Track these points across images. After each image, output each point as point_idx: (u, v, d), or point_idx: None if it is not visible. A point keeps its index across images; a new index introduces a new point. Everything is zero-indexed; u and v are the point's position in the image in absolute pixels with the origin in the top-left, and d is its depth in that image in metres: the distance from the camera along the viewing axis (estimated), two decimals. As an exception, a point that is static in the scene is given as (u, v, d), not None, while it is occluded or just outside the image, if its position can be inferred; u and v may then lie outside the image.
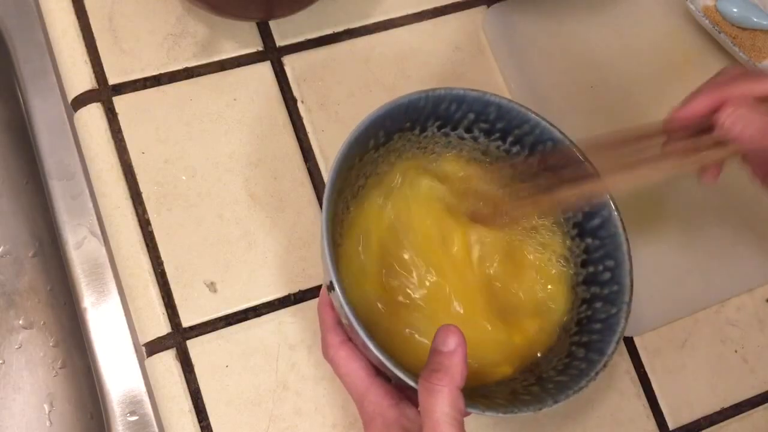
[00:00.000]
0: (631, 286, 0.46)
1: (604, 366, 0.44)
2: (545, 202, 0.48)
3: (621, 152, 0.46)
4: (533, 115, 0.48)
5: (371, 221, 0.49)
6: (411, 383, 0.40)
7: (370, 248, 0.48)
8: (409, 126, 0.48)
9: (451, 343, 0.39)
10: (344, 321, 0.43)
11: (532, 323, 0.49)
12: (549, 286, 0.50)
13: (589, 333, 0.47)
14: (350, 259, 0.48)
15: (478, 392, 0.45)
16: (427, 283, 0.48)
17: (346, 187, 0.48)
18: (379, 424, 0.42)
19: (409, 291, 0.48)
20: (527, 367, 0.48)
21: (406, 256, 0.48)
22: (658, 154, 0.45)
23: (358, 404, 0.43)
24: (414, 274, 0.48)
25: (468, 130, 0.50)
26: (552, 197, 0.48)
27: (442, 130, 0.50)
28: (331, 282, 0.42)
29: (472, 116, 0.49)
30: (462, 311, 0.48)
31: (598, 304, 0.48)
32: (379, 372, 0.44)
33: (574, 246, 0.50)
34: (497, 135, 0.50)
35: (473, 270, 0.49)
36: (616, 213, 0.47)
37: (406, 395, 0.43)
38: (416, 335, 0.47)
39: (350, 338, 0.44)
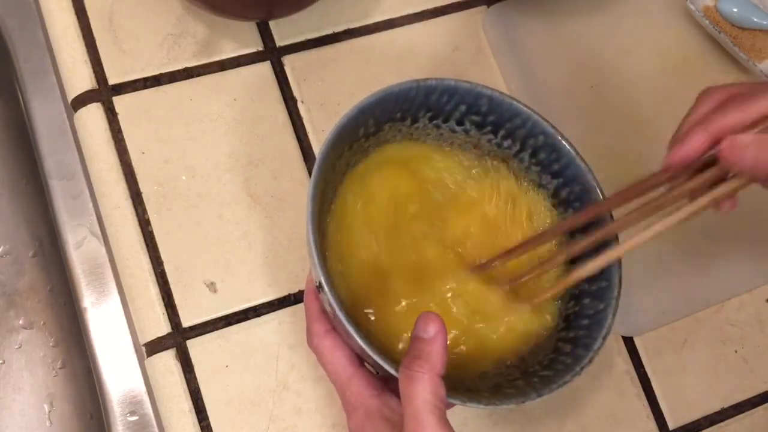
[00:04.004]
0: (620, 282, 0.46)
1: (590, 361, 0.44)
2: (571, 281, 0.47)
3: (634, 203, 0.45)
4: (525, 108, 0.48)
5: (360, 209, 0.48)
6: (392, 371, 0.40)
7: (360, 235, 0.48)
8: (400, 116, 0.48)
9: (431, 329, 0.39)
10: (328, 308, 0.42)
11: (518, 320, 0.48)
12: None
13: (576, 329, 0.47)
14: (338, 245, 0.47)
15: (463, 385, 0.45)
16: (414, 277, 0.48)
17: (336, 174, 0.47)
18: (361, 414, 0.42)
19: (394, 282, 0.48)
20: (512, 363, 0.47)
21: (393, 247, 0.48)
22: (669, 198, 0.44)
23: (341, 394, 0.43)
24: (400, 266, 0.48)
25: (459, 122, 0.49)
26: (578, 275, 0.46)
27: (434, 122, 0.49)
28: (314, 268, 0.41)
29: (463, 108, 0.48)
30: (448, 308, 0.48)
31: (586, 300, 0.47)
32: (363, 362, 0.44)
33: (564, 241, 0.50)
34: (489, 128, 0.49)
35: (461, 267, 0.49)
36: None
37: (390, 387, 0.43)
38: (404, 325, 0.46)
39: (335, 327, 0.44)
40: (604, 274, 0.46)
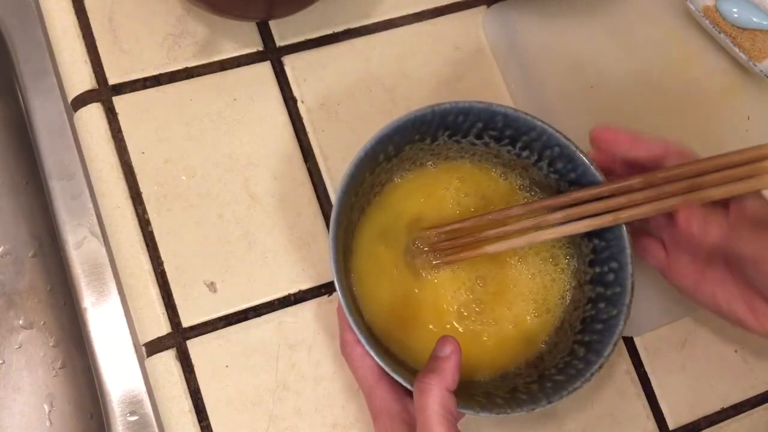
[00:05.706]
0: (632, 289, 0.47)
1: (600, 368, 0.46)
2: (570, 229, 0.49)
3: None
4: (539, 123, 0.49)
5: (387, 224, 0.51)
6: (407, 386, 0.43)
7: (386, 249, 0.51)
8: (419, 138, 0.50)
9: (447, 350, 0.44)
10: (350, 326, 0.45)
11: (537, 314, 0.51)
12: (555, 278, 0.52)
13: (590, 333, 0.48)
14: (366, 259, 0.50)
15: (481, 388, 0.47)
16: (436, 281, 0.51)
17: (360, 197, 0.49)
18: (384, 417, 0.45)
19: (418, 291, 0.51)
20: (532, 362, 0.50)
21: (417, 260, 0.51)
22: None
23: (368, 399, 0.46)
24: (425, 274, 0.51)
25: (478, 137, 0.51)
26: (576, 226, 0.49)
27: (453, 138, 0.51)
28: (336, 284, 0.44)
29: (480, 125, 0.50)
30: (468, 313, 0.51)
31: (602, 305, 0.49)
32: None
33: (584, 245, 0.51)
34: (506, 141, 0.51)
35: (483, 266, 0.52)
36: None
37: (411, 393, 0.46)
38: (431, 336, 0.49)
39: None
40: (618, 279, 0.48)
